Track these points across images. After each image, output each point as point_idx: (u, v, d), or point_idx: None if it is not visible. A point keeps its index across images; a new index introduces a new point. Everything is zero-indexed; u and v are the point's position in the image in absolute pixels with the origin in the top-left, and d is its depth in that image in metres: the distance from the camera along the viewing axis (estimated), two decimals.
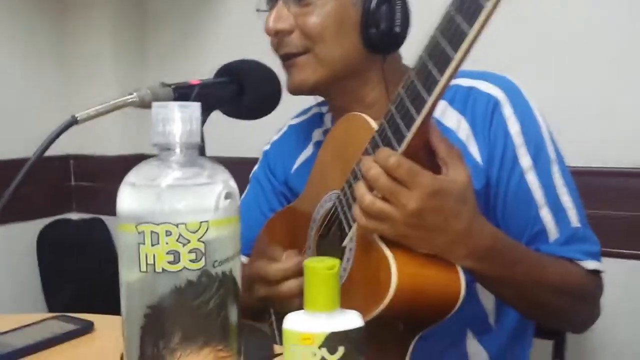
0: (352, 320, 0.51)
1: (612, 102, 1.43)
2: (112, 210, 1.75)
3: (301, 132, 1.19)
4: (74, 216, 2.21)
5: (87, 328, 0.89)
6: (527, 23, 1.48)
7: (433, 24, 0.70)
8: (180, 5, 2.10)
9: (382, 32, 0.96)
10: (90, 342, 0.88)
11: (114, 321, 0.91)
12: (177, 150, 0.47)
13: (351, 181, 0.85)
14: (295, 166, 1.16)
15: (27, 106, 2.12)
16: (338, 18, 0.96)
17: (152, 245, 0.44)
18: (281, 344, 0.53)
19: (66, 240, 2.06)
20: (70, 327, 0.89)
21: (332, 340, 0.50)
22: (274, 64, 0.97)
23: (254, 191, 1.18)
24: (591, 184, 1.39)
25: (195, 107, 0.48)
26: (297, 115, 1.20)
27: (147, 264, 0.44)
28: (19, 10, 2.12)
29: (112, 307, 0.97)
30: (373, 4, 0.95)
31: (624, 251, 1.39)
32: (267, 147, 1.22)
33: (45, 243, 2.08)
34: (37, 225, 2.10)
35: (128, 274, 0.46)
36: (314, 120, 1.16)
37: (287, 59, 0.99)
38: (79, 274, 2.02)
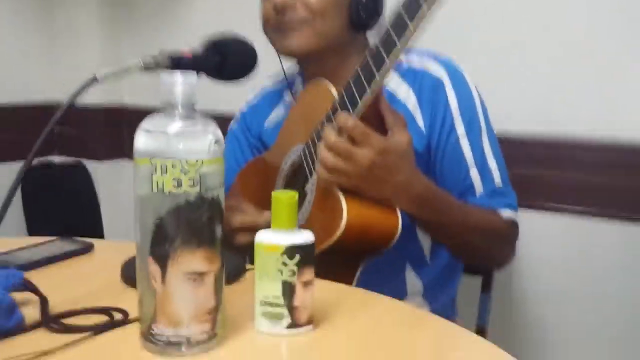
0: (305, 236, 0.69)
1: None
2: (91, 155, 1.96)
3: (274, 95, 1.33)
4: (56, 160, 2.29)
5: (88, 248, 1.01)
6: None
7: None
8: None
9: (367, 16, 1.10)
10: (91, 260, 1.00)
11: (110, 244, 1.07)
12: (179, 107, 0.64)
13: (314, 137, 1.01)
14: (267, 123, 1.32)
15: (12, 65, 2.18)
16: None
17: (162, 174, 0.61)
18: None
19: (49, 182, 2.13)
20: (72, 246, 1.00)
21: (290, 250, 0.67)
22: (253, 31, 1.11)
23: (231, 143, 1.34)
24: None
25: (192, 76, 0.65)
26: (271, 81, 1.35)
27: (157, 187, 0.61)
28: None
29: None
30: None
31: (553, 205, 1.58)
32: (244, 107, 1.37)
33: (29, 184, 2.14)
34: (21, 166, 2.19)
35: (142, 193, 0.63)
36: (286, 85, 1.30)
37: (287, 24, 1.11)
38: (62, 214, 2.11)
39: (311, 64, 1.18)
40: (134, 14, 2.27)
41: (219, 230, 0.65)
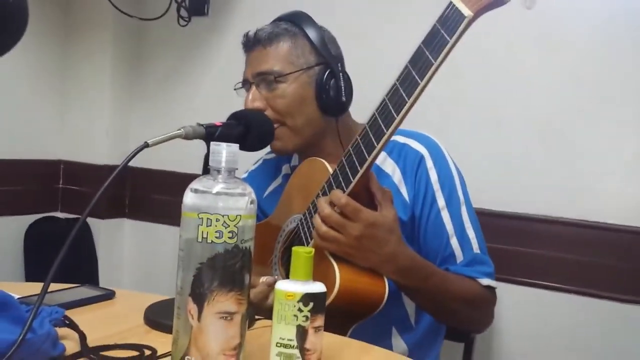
0: (319, 287, 0.81)
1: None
2: (94, 212, 2.11)
3: (273, 166, 1.47)
4: (60, 215, 2.37)
5: (110, 294, 1.10)
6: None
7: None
8: (175, 37, 2.29)
9: (332, 100, 1.24)
10: (113, 305, 1.09)
11: (127, 293, 1.16)
12: (223, 171, 0.77)
13: (311, 209, 1.12)
14: (266, 192, 1.44)
15: (24, 122, 2.28)
16: (299, 96, 1.24)
17: (206, 226, 0.73)
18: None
19: (51, 237, 2.19)
20: (97, 292, 1.09)
21: (306, 298, 0.78)
22: None
23: None
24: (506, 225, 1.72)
25: (234, 147, 0.78)
26: (270, 152, 1.47)
27: (202, 237, 0.73)
28: (26, 34, 2.30)
29: None
30: (324, 81, 1.23)
31: (528, 280, 1.71)
32: (245, 175, 1.50)
33: (32, 237, 2.22)
34: (25, 220, 2.25)
35: (188, 242, 0.74)
36: (284, 157, 1.44)
37: None
38: (61, 267, 2.16)
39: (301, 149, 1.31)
40: (144, 78, 2.39)
41: (247, 277, 0.76)
